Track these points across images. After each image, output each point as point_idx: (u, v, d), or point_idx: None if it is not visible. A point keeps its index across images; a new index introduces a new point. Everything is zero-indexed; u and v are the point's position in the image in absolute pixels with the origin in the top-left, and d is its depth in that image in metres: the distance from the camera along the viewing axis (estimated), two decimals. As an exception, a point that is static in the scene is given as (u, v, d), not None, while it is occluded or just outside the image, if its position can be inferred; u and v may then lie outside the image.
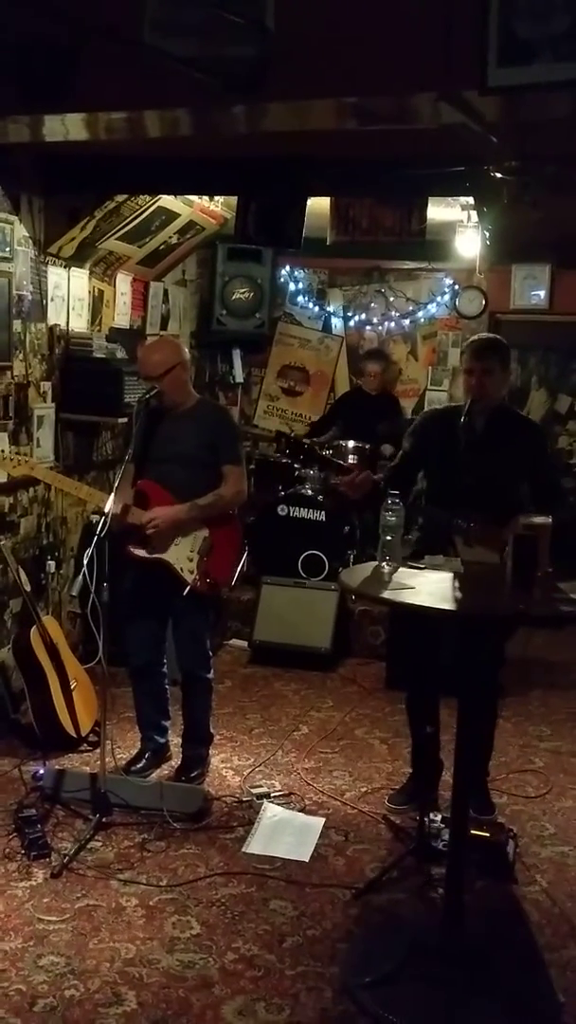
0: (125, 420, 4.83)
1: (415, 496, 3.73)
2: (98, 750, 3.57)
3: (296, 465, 5.92)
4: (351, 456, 5.94)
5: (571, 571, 2.83)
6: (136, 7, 2.71)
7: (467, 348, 3.58)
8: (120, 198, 4.74)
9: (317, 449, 5.90)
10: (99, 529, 3.39)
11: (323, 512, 5.75)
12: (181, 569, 3.72)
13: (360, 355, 7.09)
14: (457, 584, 2.78)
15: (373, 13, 2.63)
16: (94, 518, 3.52)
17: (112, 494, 3.52)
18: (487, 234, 5.44)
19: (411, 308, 7.14)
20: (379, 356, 6.81)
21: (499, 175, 3.77)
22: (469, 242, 6.04)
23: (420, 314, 7.11)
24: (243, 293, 6.71)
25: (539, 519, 2.85)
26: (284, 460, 5.93)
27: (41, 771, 3.71)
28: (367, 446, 5.99)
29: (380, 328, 7.22)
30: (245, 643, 5.58)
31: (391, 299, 7.18)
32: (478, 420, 3.47)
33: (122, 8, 2.74)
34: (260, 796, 3.76)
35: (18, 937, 2.81)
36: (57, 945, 2.79)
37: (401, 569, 2.87)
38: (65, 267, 4.87)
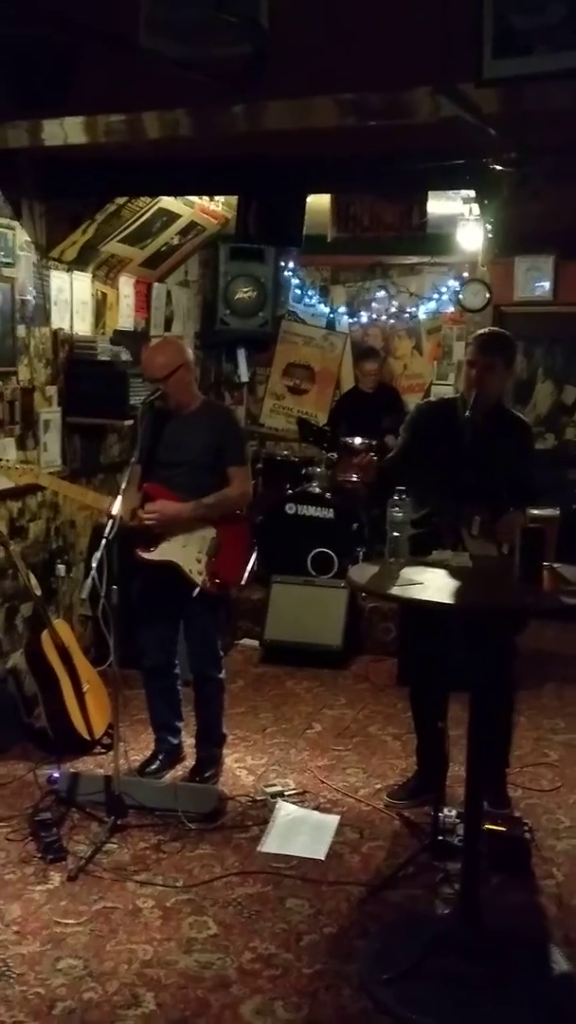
0: (131, 422, 4.84)
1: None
2: (112, 752, 3.57)
3: (322, 447, 5.97)
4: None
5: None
6: (131, 9, 2.71)
7: (473, 340, 3.56)
8: (121, 201, 4.74)
9: (339, 435, 5.99)
10: (107, 532, 3.40)
11: (332, 510, 5.74)
12: (190, 571, 3.72)
13: (357, 354, 7.08)
14: (465, 579, 2.78)
15: (368, 8, 2.63)
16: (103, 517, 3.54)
17: (119, 497, 3.52)
18: (489, 227, 5.42)
19: (415, 303, 7.12)
20: (373, 353, 6.82)
21: (499, 167, 3.76)
22: (471, 235, 6.02)
23: (424, 308, 7.09)
24: (246, 292, 6.70)
25: (547, 511, 2.85)
26: (307, 444, 6.03)
27: (56, 774, 3.72)
28: (373, 442, 5.99)
29: (384, 323, 7.21)
30: (256, 642, 5.59)
31: (394, 294, 7.16)
32: (478, 415, 3.47)
33: (118, 10, 2.74)
34: (274, 795, 3.76)
35: (36, 941, 2.82)
36: (75, 948, 2.79)
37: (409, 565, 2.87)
38: (68, 271, 4.88)
